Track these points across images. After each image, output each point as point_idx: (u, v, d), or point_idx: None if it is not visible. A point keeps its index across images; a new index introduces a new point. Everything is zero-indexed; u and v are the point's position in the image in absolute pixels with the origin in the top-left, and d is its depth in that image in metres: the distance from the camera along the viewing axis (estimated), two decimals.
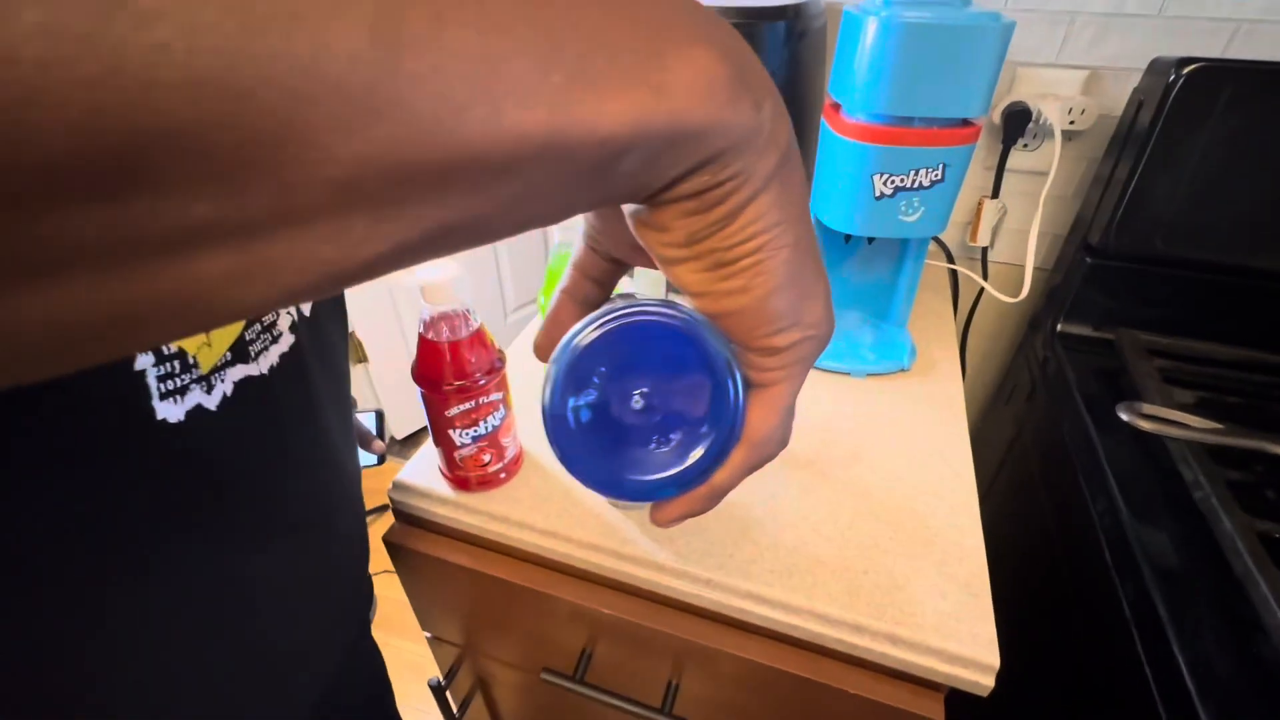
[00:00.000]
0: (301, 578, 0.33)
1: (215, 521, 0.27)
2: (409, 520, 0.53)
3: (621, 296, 0.25)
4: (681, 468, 0.20)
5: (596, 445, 0.20)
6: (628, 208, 0.18)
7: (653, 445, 0.20)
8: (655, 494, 0.21)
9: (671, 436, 0.20)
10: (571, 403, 0.19)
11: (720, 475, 0.21)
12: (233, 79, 0.09)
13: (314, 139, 0.10)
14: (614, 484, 0.20)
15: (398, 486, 0.52)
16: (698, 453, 0.20)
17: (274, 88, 0.09)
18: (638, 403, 0.20)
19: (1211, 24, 0.64)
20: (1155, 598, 0.42)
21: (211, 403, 0.26)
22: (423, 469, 0.52)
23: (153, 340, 0.12)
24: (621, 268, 0.24)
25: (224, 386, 0.26)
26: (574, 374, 0.19)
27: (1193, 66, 0.56)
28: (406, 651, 1.25)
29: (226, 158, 0.09)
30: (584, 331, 0.19)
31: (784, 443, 0.22)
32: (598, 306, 0.24)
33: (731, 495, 0.30)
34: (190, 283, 0.11)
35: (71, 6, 0.08)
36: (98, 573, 0.23)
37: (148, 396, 0.23)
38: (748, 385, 0.20)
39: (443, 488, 0.50)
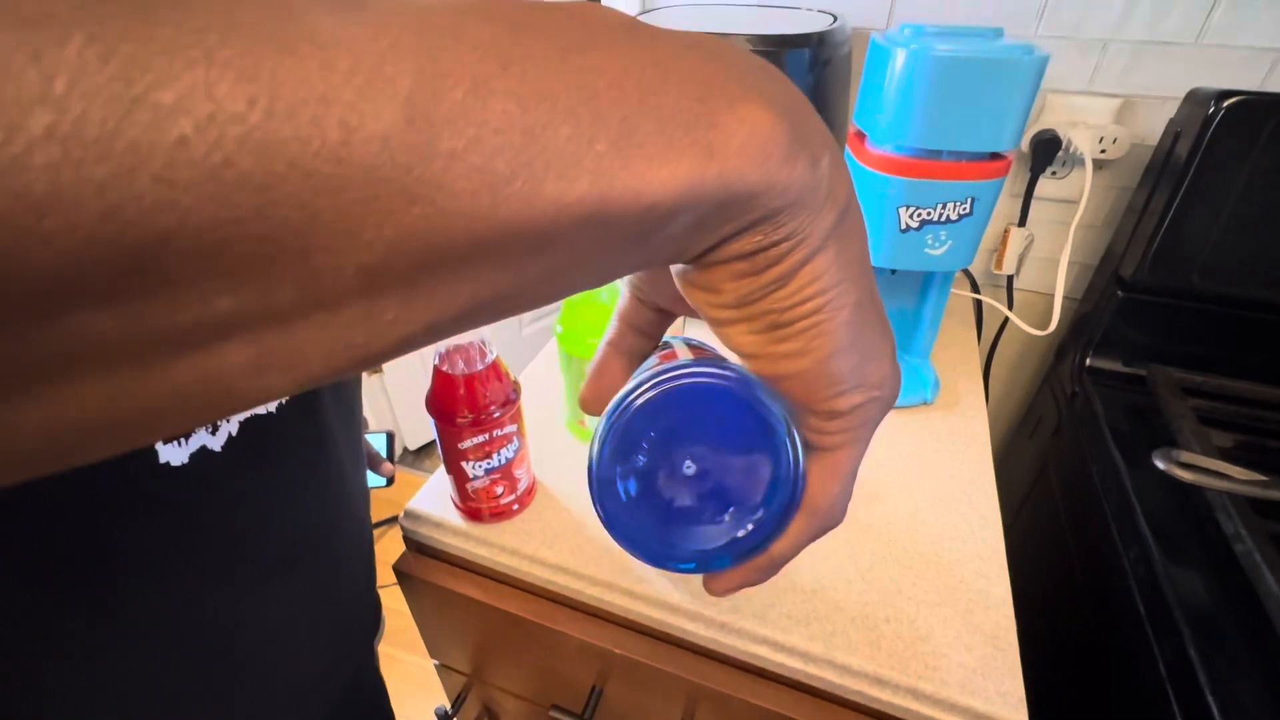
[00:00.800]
0: (306, 609, 0.33)
1: (215, 561, 0.27)
2: (419, 549, 0.52)
3: (667, 346, 0.23)
4: (736, 537, 0.19)
5: (646, 512, 0.19)
6: (675, 266, 0.18)
7: (706, 514, 0.19)
8: (708, 565, 0.20)
9: (727, 504, 0.19)
10: (620, 469, 0.18)
11: (779, 545, 0.20)
12: (257, 171, 0.08)
13: (343, 226, 0.09)
14: (664, 555, 0.19)
15: (409, 515, 0.51)
16: (754, 522, 0.19)
17: (301, 177, 0.09)
18: (690, 469, 0.18)
19: (1250, 53, 0.62)
20: (1194, 659, 0.40)
21: (216, 444, 0.25)
22: (434, 497, 0.51)
23: (169, 432, 0.11)
24: (669, 317, 0.23)
25: (229, 427, 0.26)
26: (625, 439, 0.18)
27: (1233, 99, 0.54)
28: (415, 667, 1.24)
29: (250, 252, 0.09)
30: (635, 393, 0.18)
31: (845, 510, 0.20)
32: (644, 358, 0.23)
33: None
34: (210, 376, 0.10)
35: (85, 106, 0.07)
36: (93, 613, 0.23)
37: None
38: (808, 449, 0.19)
39: (454, 517, 0.50)
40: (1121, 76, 0.66)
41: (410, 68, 0.10)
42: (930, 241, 0.51)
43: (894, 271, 0.61)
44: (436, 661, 0.61)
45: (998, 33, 0.48)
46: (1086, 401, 0.65)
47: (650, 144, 0.12)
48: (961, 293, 0.78)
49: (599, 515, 0.19)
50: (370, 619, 0.42)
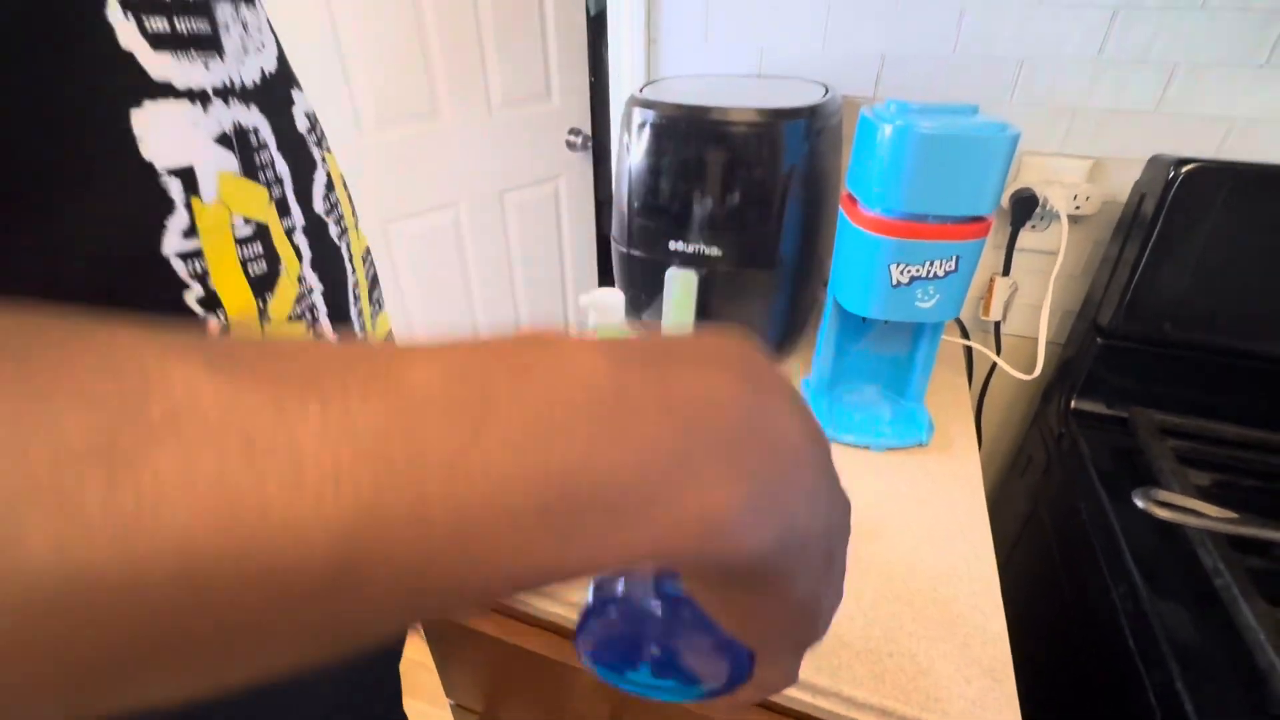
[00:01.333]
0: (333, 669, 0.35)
1: None
2: None
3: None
4: (697, 688, 0.22)
5: (617, 652, 0.22)
6: None
7: (666, 676, 0.22)
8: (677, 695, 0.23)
9: (683, 671, 0.22)
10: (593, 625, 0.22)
11: (741, 695, 0.22)
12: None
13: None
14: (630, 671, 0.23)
15: None
16: (711, 685, 0.22)
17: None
18: (656, 653, 0.22)
19: (1205, 121, 0.68)
20: (1180, 688, 0.43)
21: None
22: None
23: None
24: None
25: None
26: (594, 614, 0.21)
27: (1190, 166, 0.59)
28: (424, 715, 1.23)
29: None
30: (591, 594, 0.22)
31: (793, 680, 0.22)
32: None
33: None
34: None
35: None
36: None
37: None
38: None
39: None
40: (1091, 140, 0.72)
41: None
42: (920, 295, 0.55)
43: (887, 322, 0.65)
44: (452, 701, 0.62)
45: (974, 109, 0.53)
46: (1073, 443, 0.68)
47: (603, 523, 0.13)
48: (952, 339, 0.82)
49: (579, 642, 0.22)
50: (396, 669, 0.44)
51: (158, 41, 0.21)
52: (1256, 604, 0.45)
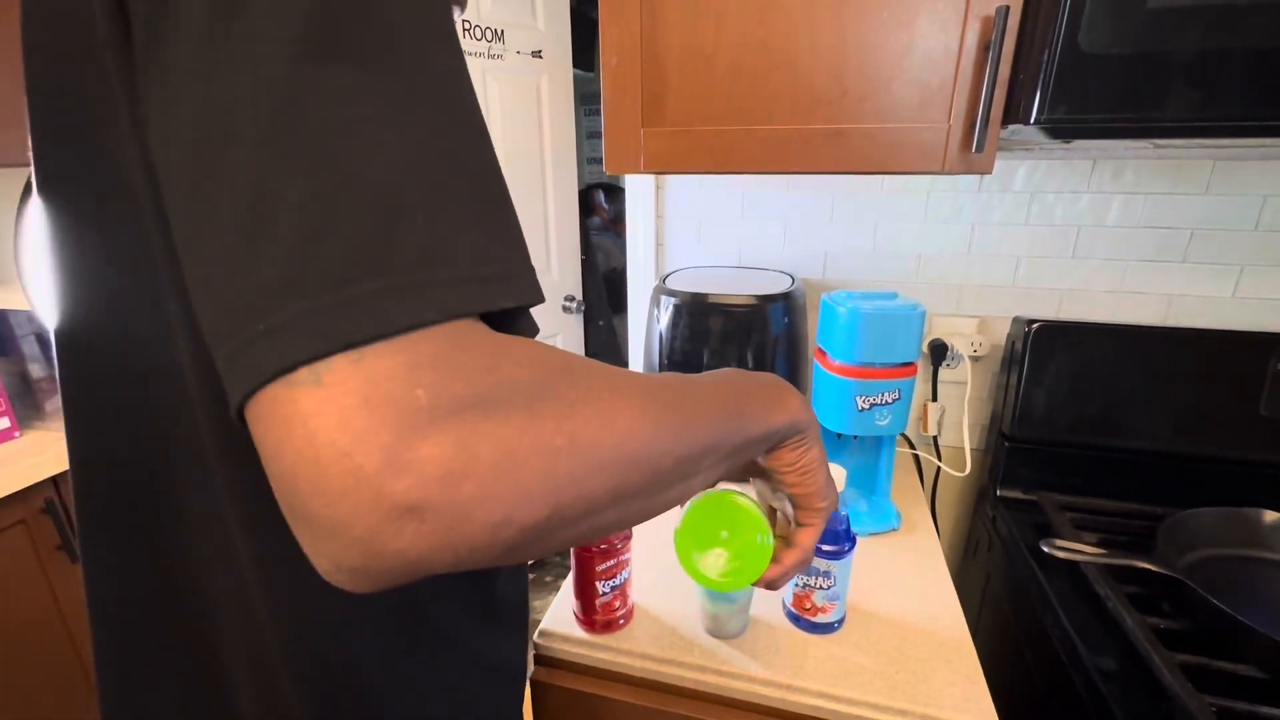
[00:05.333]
0: None
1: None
2: (549, 662, 0.69)
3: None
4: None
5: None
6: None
7: None
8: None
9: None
10: None
11: (783, 565, 0.44)
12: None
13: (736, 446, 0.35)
14: None
15: (543, 634, 0.69)
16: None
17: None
18: None
19: (1046, 291, 1.00)
20: (1095, 677, 0.62)
21: None
22: (558, 621, 0.69)
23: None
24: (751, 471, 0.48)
25: None
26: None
27: (1038, 324, 0.89)
28: None
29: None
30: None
31: (813, 553, 0.45)
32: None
33: (789, 625, 0.52)
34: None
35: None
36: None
37: None
38: (801, 524, 0.44)
39: (578, 632, 0.68)
40: (975, 305, 1.03)
41: (723, 409, 0.35)
42: (878, 417, 0.79)
43: (856, 437, 0.89)
44: None
45: (893, 295, 0.81)
46: (1003, 523, 0.91)
47: (770, 410, 0.38)
48: (903, 450, 1.06)
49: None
50: None
51: None
52: (1134, 615, 0.66)
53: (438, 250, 0.22)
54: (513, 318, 0.26)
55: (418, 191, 0.22)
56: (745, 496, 0.47)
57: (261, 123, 0.20)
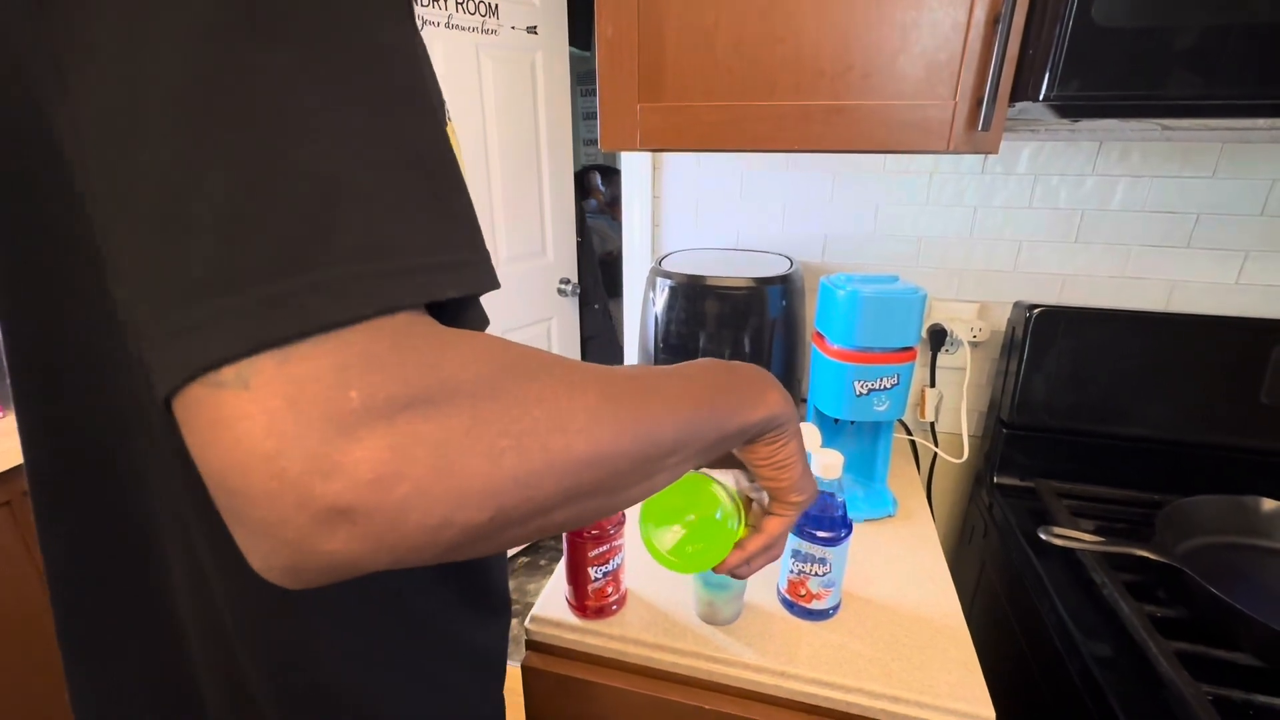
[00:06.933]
0: None
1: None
2: (541, 648, 0.68)
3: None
4: None
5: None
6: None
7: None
8: None
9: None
10: None
11: (745, 551, 0.43)
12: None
13: (706, 444, 0.33)
14: None
15: (535, 619, 0.68)
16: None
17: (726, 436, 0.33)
18: None
19: (1047, 276, 0.98)
20: (1090, 663, 0.61)
21: None
22: (550, 606, 0.68)
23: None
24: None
25: None
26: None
27: (1039, 309, 0.88)
28: None
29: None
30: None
31: (784, 544, 0.44)
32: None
33: (784, 611, 0.51)
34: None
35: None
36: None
37: None
38: (773, 513, 0.43)
39: (569, 618, 0.67)
40: (975, 290, 1.02)
41: (707, 403, 0.33)
42: (875, 402, 0.78)
43: (853, 422, 0.88)
44: None
45: (894, 278, 0.80)
46: (1000, 510, 0.90)
47: (748, 404, 0.36)
48: (900, 436, 1.05)
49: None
50: None
51: None
52: (1131, 603, 0.65)
53: (375, 240, 0.20)
54: (461, 307, 0.25)
55: (353, 177, 0.20)
56: (720, 484, 0.46)
57: (183, 107, 0.19)
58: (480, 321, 0.27)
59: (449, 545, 0.21)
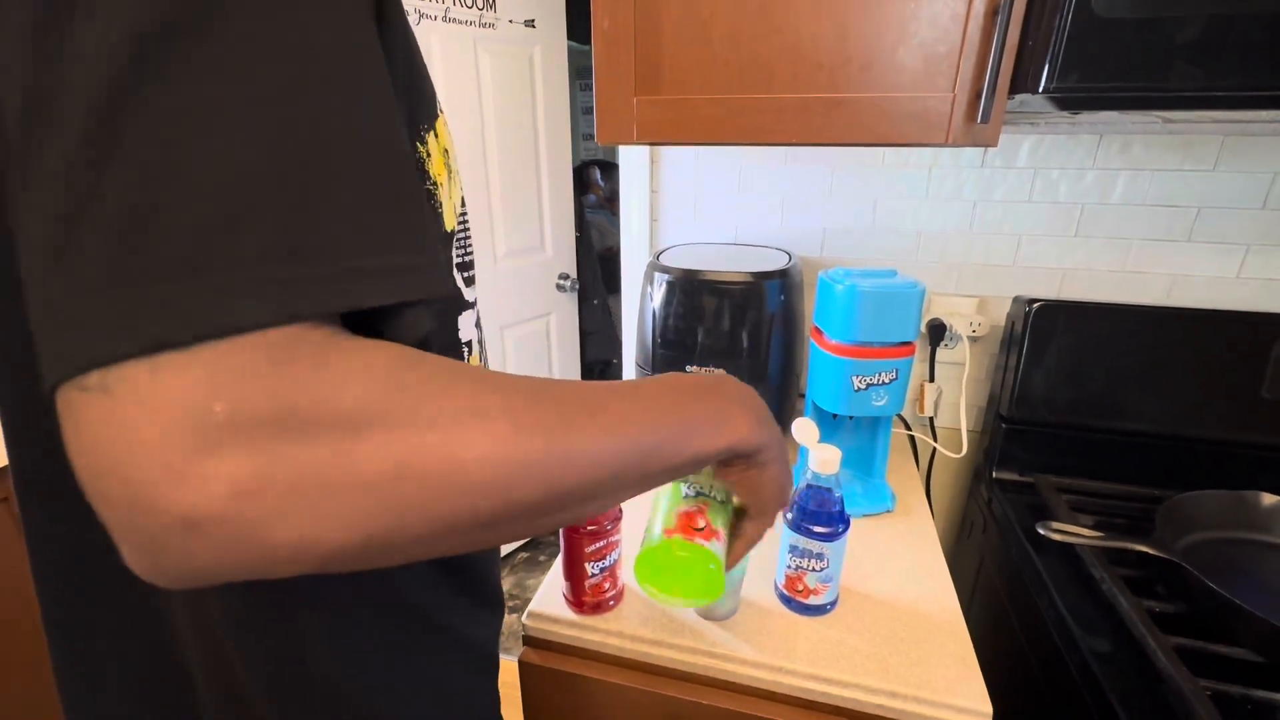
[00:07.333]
0: None
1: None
2: (538, 644, 0.68)
3: None
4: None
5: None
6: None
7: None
8: None
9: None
10: None
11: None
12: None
13: (627, 481, 0.31)
14: None
15: (532, 615, 0.67)
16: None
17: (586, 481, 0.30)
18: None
19: (1047, 270, 0.98)
20: (1089, 658, 0.61)
21: None
22: (547, 602, 0.68)
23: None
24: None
25: None
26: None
27: (1039, 303, 0.87)
28: None
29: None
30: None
31: (759, 540, 0.45)
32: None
33: (781, 607, 0.51)
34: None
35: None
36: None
37: None
38: (751, 519, 0.44)
39: (567, 613, 0.67)
40: (974, 284, 1.01)
41: (660, 426, 0.32)
42: (874, 397, 0.78)
43: (852, 418, 0.87)
44: None
45: (894, 272, 0.79)
46: (1000, 505, 0.90)
47: (709, 433, 0.33)
48: (899, 431, 1.05)
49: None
50: None
51: (466, 281, 0.42)
52: (1130, 598, 0.65)
53: (282, 244, 0.20)
54: (393, 314, 0.24)
55: (267, 177, 0.20)
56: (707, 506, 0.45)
57: (90, 102, 0.18)
58: (413, 327, 0.26)
59: (320, 561, 0.21)
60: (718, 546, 0.43)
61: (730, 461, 0.37)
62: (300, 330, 0.20)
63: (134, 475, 0.18)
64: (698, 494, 0.46)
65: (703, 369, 0.88)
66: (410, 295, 0.23)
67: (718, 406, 0.34)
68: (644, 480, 0.30)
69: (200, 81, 0.19)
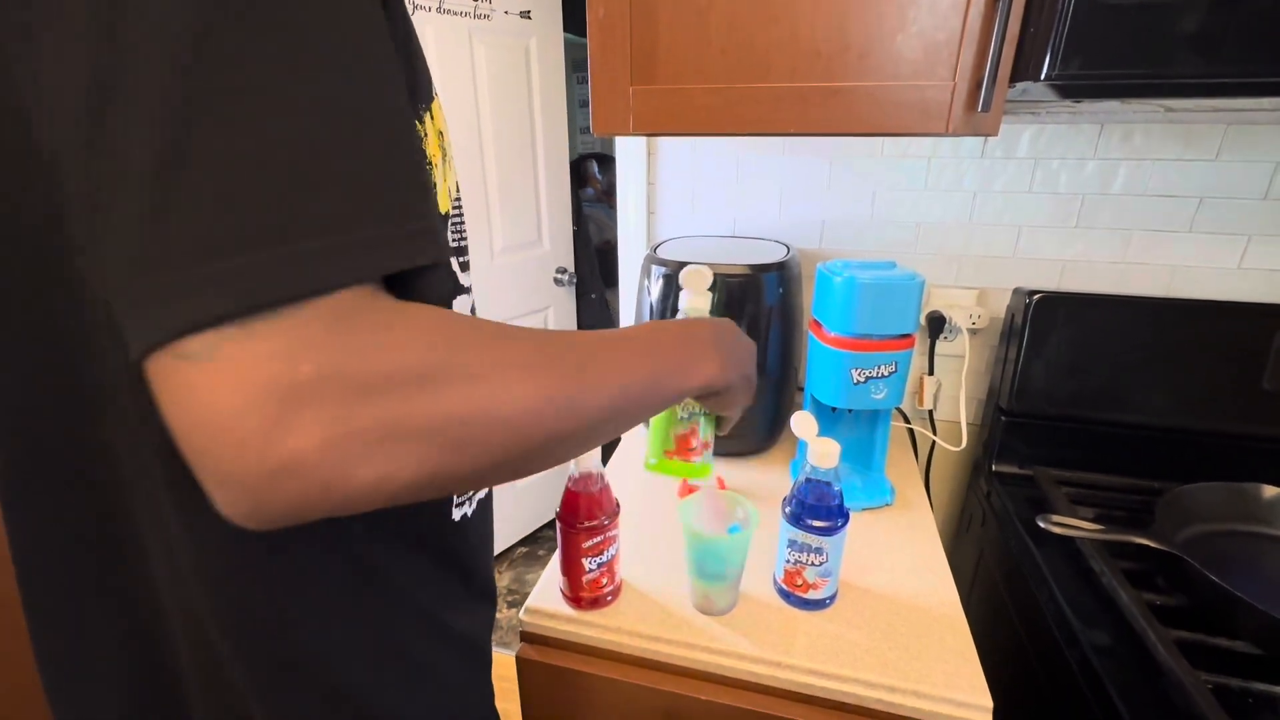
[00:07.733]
0: None
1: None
2: (536, 640, 0.68)
3: None
4: None
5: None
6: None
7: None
8: None
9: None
10: None
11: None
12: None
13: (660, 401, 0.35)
14: None
15: (529, 610, 0.67)
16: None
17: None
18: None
19: (1047, 261, 0.97)
20: (1088, 651, 0.61)
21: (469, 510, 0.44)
22: (544, 598, 0.68)
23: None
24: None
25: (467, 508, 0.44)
26: None
27: (1039, 295, 0.87)
28: None
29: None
30: None
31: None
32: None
33: (780, 601, 0.50)
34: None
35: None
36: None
37: None
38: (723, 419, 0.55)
39: (564, 609, 0.66)
40: (974, 276, 1.01)
41: (649, 369, 0.35)
42: (873, 390, 0.77)
43: (851, 411, 0.87)
44: None
45: (893, 264, 0.79)
46: (999, 498, 0.89)
47: (685, 371, 0.39)
48: (898, 424, 1.04)
49: None
50: None
51: (461, 266, 0.41)
52: (1130, 591, 0.64)
53: (348, 212, 0.22)
54: (427, 273, 0.27)
55: (329, 152, 0.22)
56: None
57: (162, 86, 0.20)
58: (439, 287, 0.29)
59: (392, 496, 0.24)
60: (708, 456, 0.57)
61: (704, 396, 0.44)
62: (366, 294, 0.23)
63: (238, 432, 0.20)
64: (690, 415, 0.56)
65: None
66: (444, 255, 0.27)
67: (693, 352, 0.40)
68: (642, 411, 0.36)
69: (260, 63, 0.21)
